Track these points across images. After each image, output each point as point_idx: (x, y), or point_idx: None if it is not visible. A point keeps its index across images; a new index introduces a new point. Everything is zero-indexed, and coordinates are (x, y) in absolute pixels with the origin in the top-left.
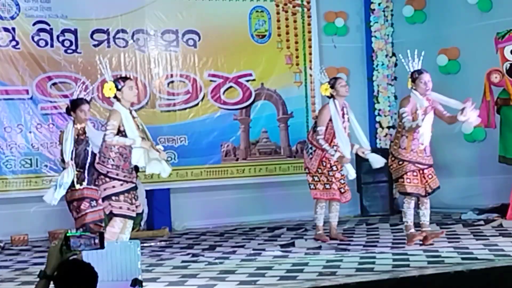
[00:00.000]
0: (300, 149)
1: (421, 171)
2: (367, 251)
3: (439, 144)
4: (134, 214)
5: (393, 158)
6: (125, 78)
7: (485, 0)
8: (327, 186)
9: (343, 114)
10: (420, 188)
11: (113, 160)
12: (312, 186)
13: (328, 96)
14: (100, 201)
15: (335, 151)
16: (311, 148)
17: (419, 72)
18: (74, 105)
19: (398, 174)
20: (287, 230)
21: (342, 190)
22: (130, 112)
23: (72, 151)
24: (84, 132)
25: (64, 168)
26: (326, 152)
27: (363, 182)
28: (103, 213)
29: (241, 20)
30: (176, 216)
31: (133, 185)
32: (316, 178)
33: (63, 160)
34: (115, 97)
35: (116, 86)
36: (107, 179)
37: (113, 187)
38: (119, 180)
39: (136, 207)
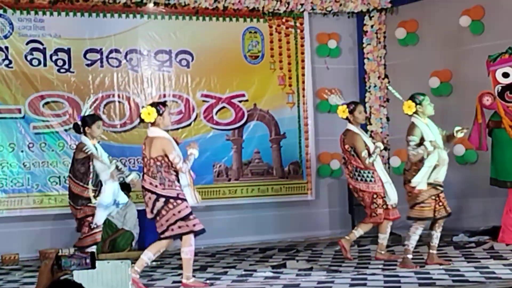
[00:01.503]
0: (293, 170)
1: (438, 195)
2: (359, 272)
3: None
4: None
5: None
6: (164, 104)
7: (477, 23)
8: (394, 204)
9: None
10: (432, 212)
11: (177, 182)
12: (384, 207)
13: (343, 118)
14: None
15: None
16: (368, 173)
17: (422, 94)
18: (91, 120)
19: (418, 199)
20: (279, 251)
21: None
22: None
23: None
24: (95, 149)
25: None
26: (378, 152)
27: (355, 203)
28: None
29: (234, 41)
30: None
31: None
32: (386, 199)
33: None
34: (154, 122)
35: (158, 111)
36: (179, 201)
37: (187, 207)
38: (186, 200)
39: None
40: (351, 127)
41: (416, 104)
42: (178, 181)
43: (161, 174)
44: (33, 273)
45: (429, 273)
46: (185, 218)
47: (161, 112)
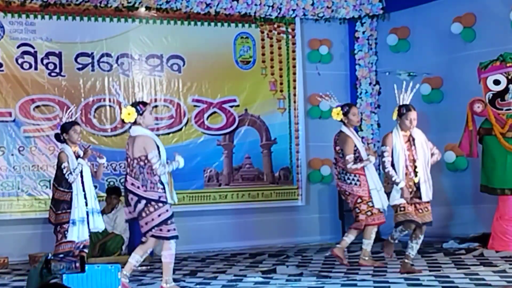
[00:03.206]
0: (283, 175)
1: (414, 204)
2: (348, 278)
3: None
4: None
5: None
6: (144, 103)
7: (469, 30)
8: (381, 210)
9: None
10: (416, 216)
11: (160, 183)
12: (369, 213)
13: (339, 121)
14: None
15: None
16: (354, 176)
17: (407, 108)
18: (67, 127)
19: (394, 208)
20: (269, 257)
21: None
22: None
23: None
24: (78, 156)
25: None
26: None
27: (345, 209)
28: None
29: (226, 46)
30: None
31: None
32: (370, 204)
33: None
34: (135, 122)
35: (138, 111)
36: (160, 204)
37: (167, 211)
38: (169, 204)
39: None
40: (344, 129)
41: (399, 115)
42: (162, 183)
43: (143, 176)
44: (22, 276)
45: (418, 279)
46: (163, 222)
47: (141, 111)
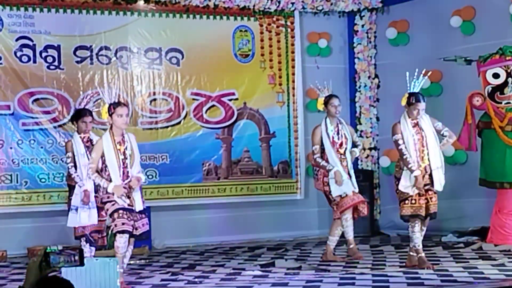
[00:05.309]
0: (282, 169)
1: (425, 193)
2: (347, 272)
3: None
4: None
5: (397, 182)
6: (117, 104)
7: (468, 24)
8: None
9: (338, 130)
10: (422, 209)
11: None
12: (334, 206)
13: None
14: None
15: (333, 166)
16: (315, 169)
17: (417, 99)
18: (77, 115)
19: (403, 196)
20: (268, 250)
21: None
22: (123, 136)
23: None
24: (90, 140)
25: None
26: (324, 169)
27: None
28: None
29: (224, 39)
30: (156, 234)
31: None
32: (331, 195)
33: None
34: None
35: (108, 111)
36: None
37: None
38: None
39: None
40: (322, 120)
41: (407, 103)
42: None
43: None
44: (21, 270)
45: (417, 273)
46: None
47: (110, 112)
